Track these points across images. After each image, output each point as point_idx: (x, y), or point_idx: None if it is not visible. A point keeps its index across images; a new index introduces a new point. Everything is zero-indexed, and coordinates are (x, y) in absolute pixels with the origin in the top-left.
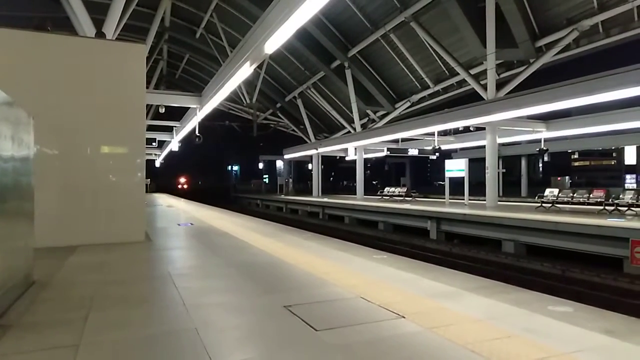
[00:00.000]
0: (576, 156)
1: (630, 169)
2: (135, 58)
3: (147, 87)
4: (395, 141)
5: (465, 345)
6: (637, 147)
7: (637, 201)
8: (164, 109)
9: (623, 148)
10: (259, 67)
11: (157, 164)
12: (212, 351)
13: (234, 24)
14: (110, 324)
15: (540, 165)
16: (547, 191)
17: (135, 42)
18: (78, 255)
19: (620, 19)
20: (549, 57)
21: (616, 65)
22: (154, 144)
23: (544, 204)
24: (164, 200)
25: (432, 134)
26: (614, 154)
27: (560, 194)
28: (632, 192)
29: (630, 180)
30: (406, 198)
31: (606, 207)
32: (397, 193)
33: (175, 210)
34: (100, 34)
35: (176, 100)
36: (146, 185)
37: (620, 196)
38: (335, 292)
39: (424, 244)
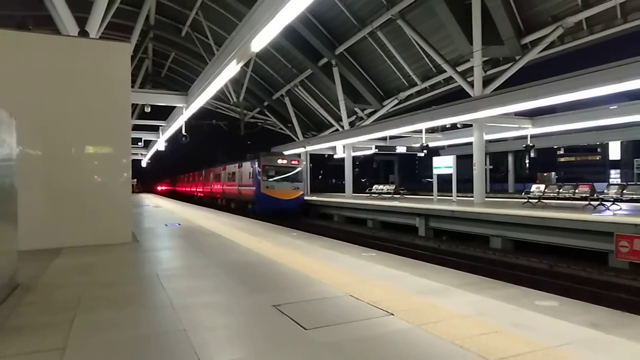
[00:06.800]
0: (562, 152)
1: (615, 164)
2: (120, 57)
3: (132, 86)
4: (384, 139)
5: (454, 341)
6: (621, 142)
7: (621, 196)
8: (149, 108)
9: (607, 144)
10: (246, 65)
11: (144, 164)
12: (200, 352)
13: (220, 21)
14: (97, 326)
15: (527, 161)
16: (534, 187)
17: (120, 40)
18: (63, 257)
19: (603, 16)
20: (535, 54)
21: (600, 62)
22: (139, 143)
23: (530, 200)
24: (150, 200)
25: (420, 132)
26: (599, 150)
27: (546, 190)
28: (617, 187)
29: (614, 175)
30: (395, 195)
31: (591, 202)
32: (385, 190)
33: (162, 210)
34: (83, 33)
35: (162, 99)
36: (132, 185)
37: (605, 191)
38: (324, 291)
39: (412, 241)
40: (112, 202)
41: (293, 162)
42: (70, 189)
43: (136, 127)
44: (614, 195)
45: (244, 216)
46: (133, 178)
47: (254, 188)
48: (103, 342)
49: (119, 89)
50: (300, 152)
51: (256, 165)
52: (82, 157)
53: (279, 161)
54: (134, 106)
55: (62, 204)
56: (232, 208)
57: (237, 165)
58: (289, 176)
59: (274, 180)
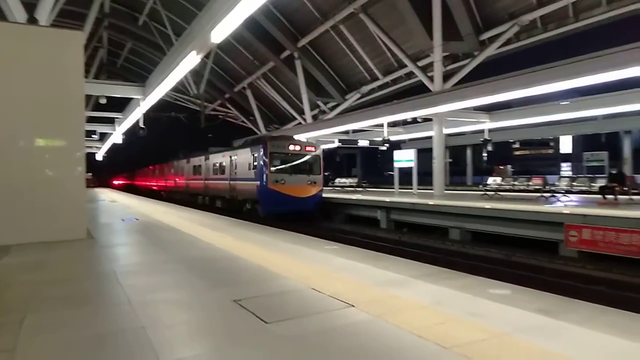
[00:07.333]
0: (517, 146)
1: (566, 158)
2: (72, 45)
3: (86, 77)
4: (346, 132)
5: (412, 331)
6: (572, 137)
7: (571, 188)
8: (105, 100)
9: (559, 138)
10: (206, 56)
11: (99, 158)
12: (160, 349)
13: (179, 11)
14: (49, 326)
15: (485, 154)
16: (490, 179)
17: (72, 28)
18: (12, 255)
19: (556, 15)
20: (492, 50)
21: (554, 59)
22: (94, 136)
23: (487, 192)
24: (106, 195)
25: (382, 125)
26: (552, 144)
27: (502, 182)
28: (567, 179)
29: (565, 168)
30: (357, 188)
31: (544, 194)
32: (348, 184)
33: (119, 205)
34: (32, 20)
35: (118, 90)
36: (87, 179)
37: (556, 183)
38: (286, 285)
39: (374, 234)
40: (65, 196)
41: (308, 148)
42: (19, 183)
43: (91, 119)
44: (565, 187)
45: (206, 211)
46: (88, 172)
47: (257, 182)
48: (55, 342)
49: (71, 79)
50: None
51: (261, 153)
52: (31, 150)
53: (291, 147)
54: (89, 97)
55: (10, 199)
56: (219, 208)
57: (229, 153)
58: (304, 167)
59: (286, 172)
